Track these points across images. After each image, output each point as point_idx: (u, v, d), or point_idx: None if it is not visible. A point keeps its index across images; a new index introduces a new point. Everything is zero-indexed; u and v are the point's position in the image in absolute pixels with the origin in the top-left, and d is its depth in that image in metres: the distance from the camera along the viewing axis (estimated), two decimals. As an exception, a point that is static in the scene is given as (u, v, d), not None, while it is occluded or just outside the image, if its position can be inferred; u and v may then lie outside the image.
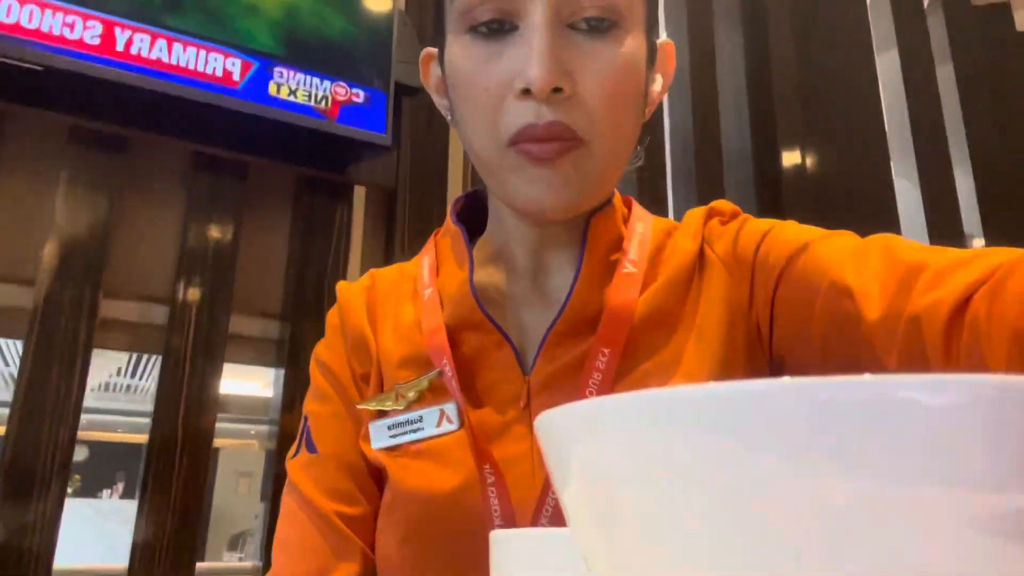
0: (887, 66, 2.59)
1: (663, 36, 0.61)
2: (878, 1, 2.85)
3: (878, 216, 2.27)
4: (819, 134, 2.42)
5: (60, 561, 1.34)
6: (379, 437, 0.56)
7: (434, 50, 0.60)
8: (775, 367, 0.55)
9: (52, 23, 1.36)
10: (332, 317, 0.64)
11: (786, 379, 0.14)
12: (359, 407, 0.58)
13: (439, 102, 0.61)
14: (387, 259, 1.78)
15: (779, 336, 0.53)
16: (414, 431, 0.55)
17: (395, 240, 1.77)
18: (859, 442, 0.14)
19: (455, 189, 1.89)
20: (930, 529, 0.14)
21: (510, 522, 0.50)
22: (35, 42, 1.35)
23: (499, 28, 0.51)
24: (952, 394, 0.13)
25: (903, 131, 2.47)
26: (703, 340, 0.54)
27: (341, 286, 0.66)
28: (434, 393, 0.56)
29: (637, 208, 0.63)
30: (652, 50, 0.57)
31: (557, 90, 0.49)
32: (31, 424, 1.35)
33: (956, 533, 0.13)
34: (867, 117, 2.46)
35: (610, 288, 0.56)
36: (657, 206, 2.12)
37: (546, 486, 0.51)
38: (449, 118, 0.59)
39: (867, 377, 0.13)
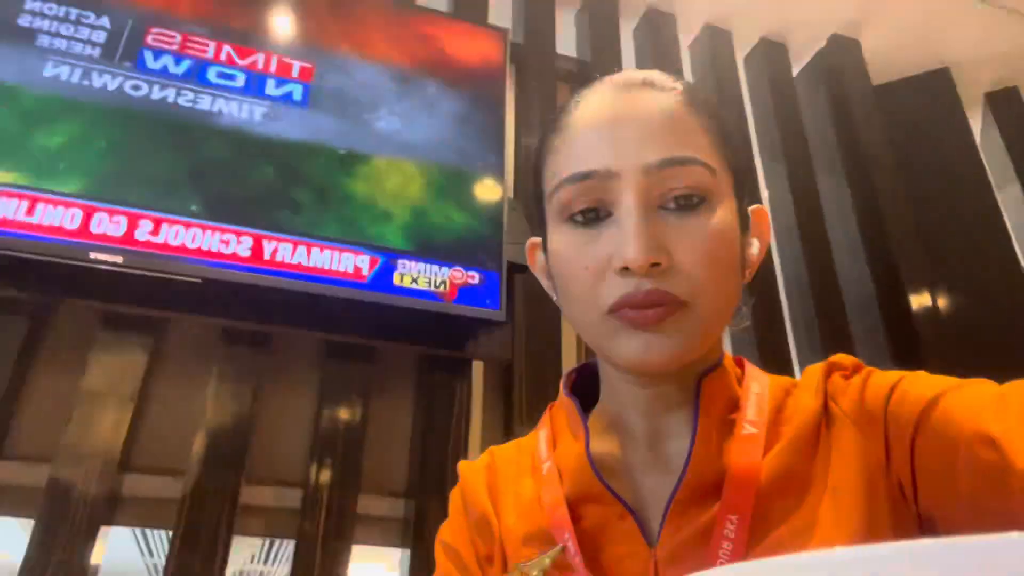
0: (1010, 199, 2.49)
1: (762, 192, 0.63)
2: (988, 133, 2.81)
3: (1030, 353, 2.09)
4: (947, 273, 2.30)
5: None
6: None
7: (538, 240, 0.65)
8: (926, 526, 0.50)
9: (211, 241, 1.57)
10: (455, 497, 0.65)
11: (907, 543, 0.13)
12: None
13: (545, 284, 0.65)
14: (506, 431, 1.79)
15: (924, 494, 0.49)
16: None
17: (513, 412, 1.79)
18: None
19: (569, 359, 1.91)
20: None
21: None
22: (196, 258, 1.55)
23: (595, 216, 0.55)
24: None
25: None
26: (840, 502, 0.51)
27: (462, 465, 0.67)
28: (559, 570, 0.54)
29: (751, 368, 0.62)
30: (744, 218, 0.59)
31: (655, 265, 0.51)
32: (175, 616, 1.38)
33: None
34: (998, 252, 2.34)
35: (731, 451, 0.54)
36: (781, 362, 2.04)
37: None
38: (555, 297, 0.62)
39: (976, 540, 0.13)
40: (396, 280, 1.68)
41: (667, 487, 0.55)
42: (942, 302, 2.28)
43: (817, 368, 0.59)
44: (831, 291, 2.24)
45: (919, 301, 2.24)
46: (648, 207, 0.53)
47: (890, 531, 0.49)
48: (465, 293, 1.72)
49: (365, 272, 1.66)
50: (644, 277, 0.51)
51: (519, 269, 1.83)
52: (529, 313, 1.92)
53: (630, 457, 0.59)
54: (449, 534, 0.63)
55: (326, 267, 1.63)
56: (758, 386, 0.59)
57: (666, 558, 0.52)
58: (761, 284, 2.16)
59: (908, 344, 2.17)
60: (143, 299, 1.58)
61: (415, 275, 1.69)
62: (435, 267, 1.72)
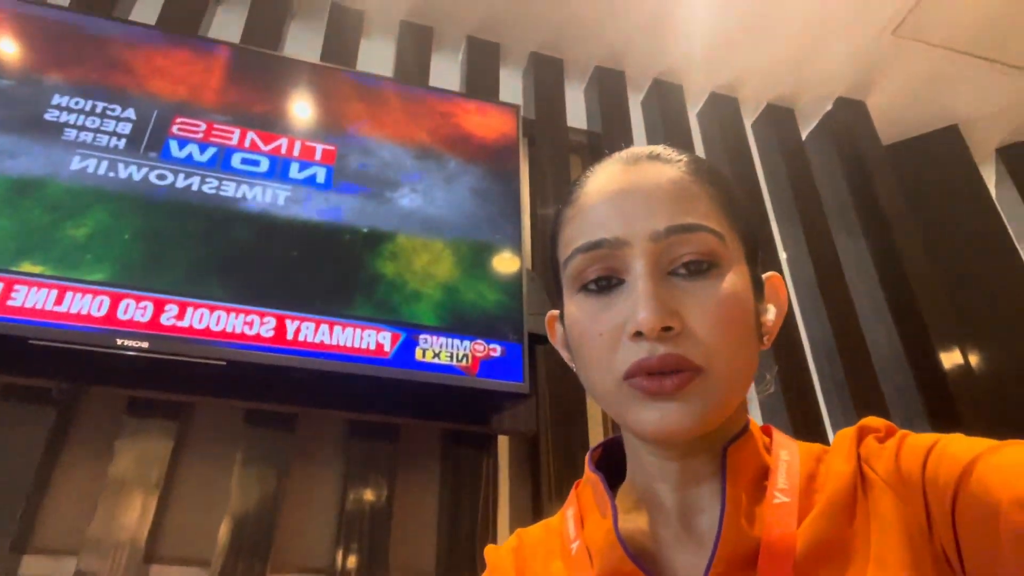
0: (1033, 250, 2.47)
1: (780, 255, 0.63)
2: (1003, 187, 2.81)
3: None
4: (975, 330, 2.27)
5: None
6: None
7: (557, 312, 0.66)
8: None
9: (235, 323, 1.58)
10: None
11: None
12: None
13: (565, 356, 0.66)
14: (535, 505, 1.75)
15: (970, 561, 0.47)
16: None
17: (541, 486, 1.75)
18: None
19: (595, 430, 1.88)
20: None
21: None
22: (220, 341, 1.56)
23: (607, 284, 0.56)
24: None
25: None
26: (885, 570, 0.49)
27: (489, 550, 0.66)
28: None
29: (779, 435, 0.61)
30: (758, 283, 0.60)
31: (667, 329, 0.52)
32: None
33: None
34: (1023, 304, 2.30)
35: (763, 522, 0.53)
36: (813, 426, 2.00)
37: None
38: (574, 367, 0.63)
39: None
40: (419, 355, 1.67)
41: (700, 562, 0.53)
42: (973, 359, 2.23)
43: (849, 432, 0.58)
44: (859, 352, 2.20)
45: (949, 359, 2.20)
46: (659, 272, 0.54)
47: None
48: (487, 366, 1.71)
49: (388, 348, 1.66)
50: (657, 342, 0.52)
51: (540, 340, 1.83)
52: (553, 385, 1.90)
53: (661, 533, 0.57)
54: None
55: (349, 344, 1.63)
56: (787, 454, 0.58)
57: None
58: (786, 349, 2.13)
59: (942, 402, 2.12)
60: (168, 383, 1.59)
61: (437, 349, 1.69)
62: (457, 340, 1.72)
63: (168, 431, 1.60)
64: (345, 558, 1.57)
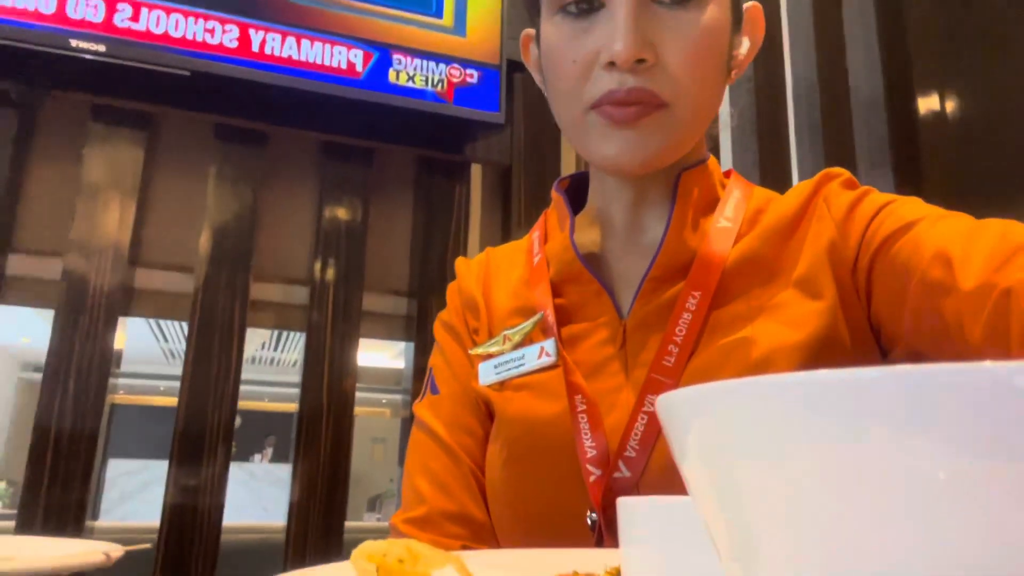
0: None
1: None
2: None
3: (1032, 163, 2.08)
4: (960, 76, 2.22)
5: (226, 518, 1.50)
6: (486, 375, 0.62)
7: (532, 31, 0.65)
8: (874, 333, 0.55)
9: (195, 30, 1.49)
10: (451, 287, 0.71)
11: (892, 368, 0.15)
12: (471, 352, 0.64)
13: (538, 79, 0.66)
14: (505, 234, 1.83)
15: (877, 300, 0.53)
16: (516, 367, 0.60)
17: (512, 215, 1.81)
18: (959, 422, 0.15)
19: (568, 162, 1.90)
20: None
21: (601, 447, 0.54)
22: (182, 49, 1.48)
23: (587, 8, 0.55)
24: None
25: (1062, 66, 2.23)
26: (804, 289, 0.55)
27: (459, 261, 0.73)
28: (537, 334, 0.61)
29: (737, 177, 0.65)
30: (738, 15, 0.59)
31: (640, 61, 0.52)
32: (198, 395, 1.50)
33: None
34: (1019, 51, 2.24)
35: (703, 238, 0.58)
36: (780, 164, 2.04)
37: (633, 415, 0.54)
38: (546, 92, 0.63)
39: (961, 366, 0.15)
40: (392, 78, 1.62)
41: (642, 269, 0.60)
42: (949, 105, 2.22)
43: (811, 180, 0.61)
44: (839, 93, 2.17)
45: (926, 104, 2.19)
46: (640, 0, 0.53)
47: (845, 324, 0.54)
48: (463, 93, 1.67)
49: (359, 68, 1.59)
50: (629, 73, 0.52)
51: (519, 68, 1.76)
52: (529, 116, 1.87)
53: (610, 244, 0.63)
54: (445, 315, 0.70)
55: (318, 61, 1.56)
56: (739, 192, 0.62)
57: (633, 327, 0.58)
58: (768, 83, 2.09)
59: (910, 151, 2.15)
60: (132, 92, 1.53)
61: (411, 72, 1.63)
62: (432, 64, 1.65)
63: (137, 140, 1.58)
64: (324, 271, 1.66)
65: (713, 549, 0.20)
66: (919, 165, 2.11)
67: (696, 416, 0.18)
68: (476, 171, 1.87)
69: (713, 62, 0.55)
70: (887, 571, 0.16)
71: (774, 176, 1.98)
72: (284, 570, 0.34)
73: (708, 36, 0.54)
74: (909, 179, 2.13)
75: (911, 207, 0.54)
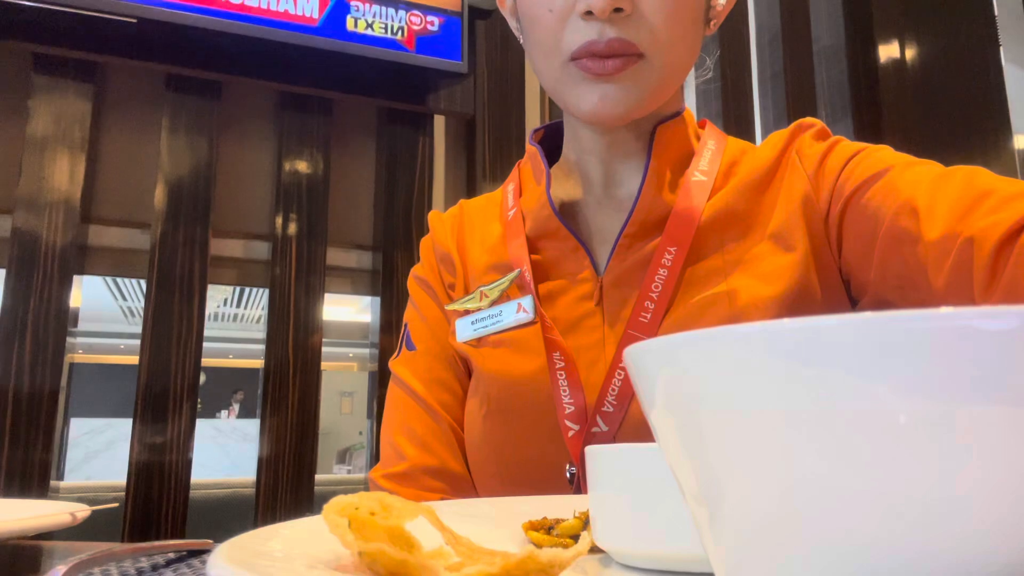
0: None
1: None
2: None
3: (986, 108, 2.12)
4: (918, 22, 2.24)
5: (193, 475, 1.50)
6: (464, 331, 0.62)
7: None
8: (844, 283, 0.56)
9: (141, -26, 1.42)
10: (425, 242, 0.70)
11: (850, 315, 0.16)
12: (447, 307, 0.64)
13: (513, 25, 0.64)
14: (469, 185, 1.81)
15: (847, 249, 0.54)
16: (494, 324, 0.60)
17: (476, 167, 1.79)
18: (917, 368, 0.15)
19: (533, 113, 1.88)
20: (987, 444, 0.15)
21: (579, 402, 0.55)
22: (127, -6, 1.41)
23: None
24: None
25: (1015, 11, 2.25)
26: (779, 242, 0.56)
27: (432, 215, 0.72)
28: (514, 291, 0.61)
29: (712, 128, 0.65)
30: None
31: (618, 10, 0.51)
32: (160, 353, 1.48)
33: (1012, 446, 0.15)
34: (975, 1, 2.25)
35: (678, 193, 0.58)
36: (743, 112, 2.04)
37: (611, 371, 0.55)
38: (521, 40, 0.62)
39: (920, 312, 0.15)
40: (350, 25, 1.57)
41: (618, 224, 0.60)
42: (909, 52, 2.24)
43: (785, 130, 0.61)
44: (801, 40, 2.17)
45: (886, 51, 2.20)
46: None
47: (818, 276, 0.55)
48: (425, 42, 1.63)
49: (315, 15, 1.54)
50: (606, 23, 0.52)
51: (481, 15, 1.72)
52: (492, 66, 1.84)
53: (586, 199, 0.63)
54: (420, 270, 0.69)
55: (271, 8, 1.51)
56: (714, 143, 0.62)
57: (610, 283, 0.58)
58: (730, 34, 2.08)
59: (870, 96, 2.17)
60: (75, 41, 1.46)
61: (370, 19, 1.58)
62: (391, 11, 1.60)
63: (84, 92, 1.52)
64: (285, 226, 1.63)
65: (677, 493, 0.21)
66: (879, 112, 2.14)
67: (662, 366, 0.19)
68: (440, 122, 1.84)
69: (690, 12, 0.54)
70: (846, 510, 0.16)
71: (737, 124, 1.99)
72: (255, 525, 0.34)
73: None
74: (869, 125, 2.15)
75: (880, 156, 0.54)
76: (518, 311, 0.59)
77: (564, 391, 0.55)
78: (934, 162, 0.52)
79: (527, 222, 0.62)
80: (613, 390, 0.54)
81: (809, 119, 0.62)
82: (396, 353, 0.67)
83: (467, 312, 0.62)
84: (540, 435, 0.56)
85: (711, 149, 0.61)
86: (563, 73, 0.55)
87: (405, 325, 0.68)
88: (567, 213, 0.62)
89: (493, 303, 0.61)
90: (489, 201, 0.70)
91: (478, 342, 0.61)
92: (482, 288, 0.62)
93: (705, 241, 0.56)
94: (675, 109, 0.62)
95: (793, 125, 0.61)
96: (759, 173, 0.58)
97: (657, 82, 0.55)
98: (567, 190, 0.63)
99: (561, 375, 0.55)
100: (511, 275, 0.60)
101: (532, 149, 0.65)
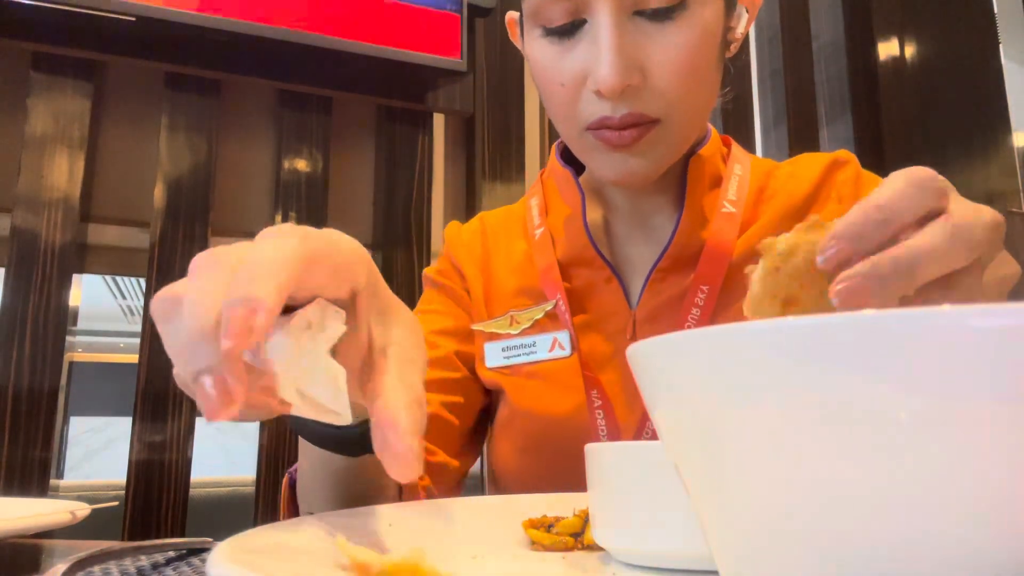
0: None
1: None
2: None
3: (985, 106, 2.11)
4: (918, 19, 2.24)
5: (193, 473, 1.49)
6: (494, 357, 0.61)
7: (516, 14, 0.63)
8: None
9: (139, -28, 1.42)
10: (444, 256, 0.70)
11: (853, 313, 0.16)
12: (475, 328, 0.63)
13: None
14: (470, 184, 1.81)
15: None
16: (528, 354, 0.60)
17: (476, 164, 1.79)
18: (918, 365, 0.15)
19: (532, 111, 1.88)
20: (987, 441, 0.15)
21: (616, 440, 0.55)
22: (125, -8, 1.41)
23: (570, 26, 0.53)
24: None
25: (1015, 9, 2.25)
26: None
27: (450, 229, 0.71)
28: (547, 322, 0.60)
29: (736, 149, 0.65)
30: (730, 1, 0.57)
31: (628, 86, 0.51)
32: (160, 351, 1.48)
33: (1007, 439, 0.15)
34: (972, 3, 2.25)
35: (710, 228, 0.58)
36: (742, 109, 2.04)
37: (646, 412, 0.54)
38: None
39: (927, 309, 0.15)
40: (349, 23, 1.56)
41: (650, 256, 0.60)
42: (908, 50, 2.24)
43: (820, 159, 0.62)
44: (800, 37, 2.17)
45: (886, 49, 2.20)
46: (623, 15, 0.51)
47: None
48: (424, 41, 1.62)
49: (313, 13, 1.54)
50: (619, 100, 0.52)
51: (481, 13, 1.72)
52: (492, 64, 1.83)
53: (617, 227, 0.63)
54: (435, 273, 0.68)
55: (271, 7, 1.50)
56: (740, 168, 0.62)
57: (643, 318, 0.58)
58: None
59: (868, 94, 2.17)
60: (75, 39, 1.46)
61: (369, 18, 1.58)
62: (390, 8, 1.60)
63: (83, 91, 1.52)
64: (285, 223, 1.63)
65: (677, 491, 0.21)
66: (878, 109, 2.14)
67: (667, 363, 0.19)
68: (439, 120, 1.84)
69: (704, 67, 0.54)
70: (849, 507, 0.16)
71: (736, 122, 1.99)
72: (255, 523, 0.34)
73: (697, 46, 0.52)
74: (868, 123, 2.15)
75: None
76: (553, 347, 0.59)
77: (602, 430, 0.55)
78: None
79: (557, 245, 0.62)
80: (647, 431, 0.55)
81: (844, 154, 0.62)
82: None
83: (496, 336, 0.62)
84: (577, 473, 0.56)
85: (738, 175, 0.61)
86: (581, 140, 0.55)
87: None
88: (598, 240, 0.62)
89: (525, 332, 0.60)
90: (510, 215, 0.69)
91: (509, 370, 0.61)
92: (513, 312, 0.61)
93: (738, 279, 0.57)
94: (702, 136, 0.61)
95: (829, 161, 0.61)
96: (792, 209, 0.58)
97: (678, 141, 0.55)
98: (592, 210, 0.63)
99: (599, 414, 0.56)
100: (545, 306, 0.60)
101: (564, 172, 0.64)
